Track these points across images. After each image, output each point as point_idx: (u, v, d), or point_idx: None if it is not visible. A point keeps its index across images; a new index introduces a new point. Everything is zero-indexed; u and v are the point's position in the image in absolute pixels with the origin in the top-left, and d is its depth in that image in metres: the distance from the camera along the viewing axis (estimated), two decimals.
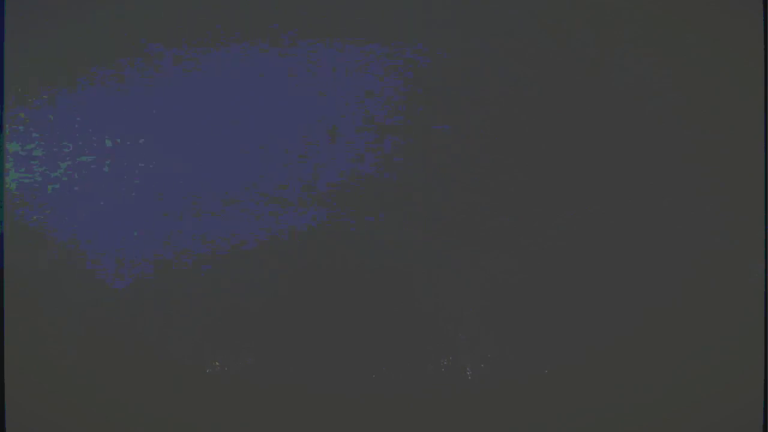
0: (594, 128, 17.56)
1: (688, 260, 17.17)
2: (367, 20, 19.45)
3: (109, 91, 18.34)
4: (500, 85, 18.39)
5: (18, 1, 16.86)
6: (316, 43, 18.85)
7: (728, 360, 15.85)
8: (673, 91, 17.11)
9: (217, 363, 20.48)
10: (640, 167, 17.17)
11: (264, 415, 18.04)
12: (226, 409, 18.38)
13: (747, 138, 16.41)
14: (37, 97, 17.82)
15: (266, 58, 18.45)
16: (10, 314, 16.73)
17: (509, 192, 18.34)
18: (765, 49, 15.83)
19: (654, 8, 16.86)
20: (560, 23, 17.61)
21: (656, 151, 17.25)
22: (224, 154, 19.39)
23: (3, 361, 15.48)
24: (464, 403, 18.46)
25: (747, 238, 17.17)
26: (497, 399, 18.32)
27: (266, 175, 19.94)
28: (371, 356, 20.30)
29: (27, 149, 17.77)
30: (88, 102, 18.55)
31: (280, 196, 20.37)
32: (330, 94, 19.97)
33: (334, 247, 20.74)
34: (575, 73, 17.64)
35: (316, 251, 20.48)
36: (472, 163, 18.70)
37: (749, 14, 15.93)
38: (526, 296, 18.71)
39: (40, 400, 16.66)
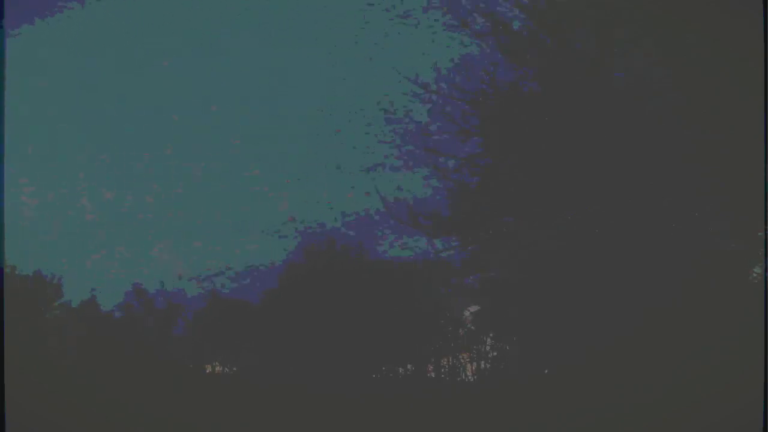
0: (594, 128, 17.51)
1: (688, 260, 17.12)
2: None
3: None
4: (500, 85, 18.33)
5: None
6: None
7: (728, 360, 15.80)
8: (673, 91, 17.06)
9: (217, 363, 20.36)
10: (639, 167, 17.10)
11: (264, 415, 17.97)
12: (226, 409, 18.30)
13: (747, 138, 16.35)
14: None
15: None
16: (10, 314, 16.71)
17: (509, 192, 18.29)
18: (765, 49, 15.80)
19: (654, 8, 16.81)
20: (560, 23, 17.56)
21: (656, 151, 17.17)
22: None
23: (3, 361, 15.45)
24: (464, 403, 18.38)
25: (747, 238, 17.10)
26: (497, 399, 18.25)
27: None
28: (371, 356, 20.20)
29: None
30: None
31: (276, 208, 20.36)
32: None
33: (334, 249, 20.66)
34: (575, 73, 17.60)
35: (317, 254, 20.37)
36: (472, 164, 18.64)
37: (749, 14, 15.89)
38: (526, 296, 18.64)
39: (40, 400, 16.63)
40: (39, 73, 20.23)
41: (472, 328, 20.97)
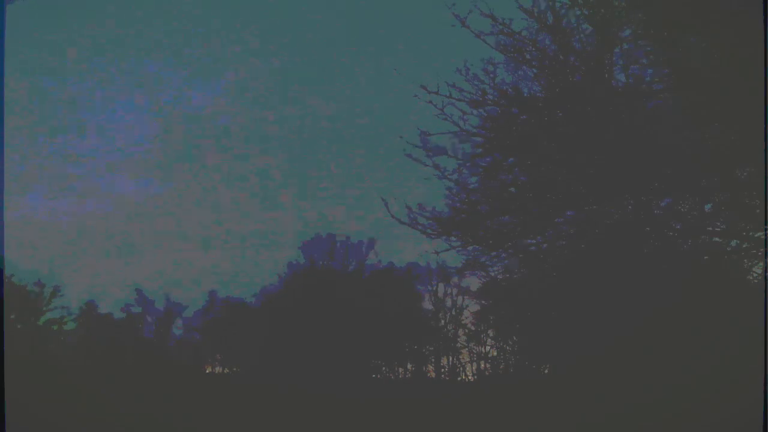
0: (594, 128, 17.52)
1: (688, 260, 17.12)
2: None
3: None
4: (500, 85, 18.35)
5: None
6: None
7: (728, 360, 15.79)
8: (673, 91, 17.06)
9: (217, 363, 20.38)
10: (639, 167, 17.11)
11: (264, 416, 18.01)
12: (226, 409, 18.33)
13: (747, 138, 16.35)
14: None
15: None
16: (10, 315, 16.73)
17: (509, 192, 18.31)
18: (765, 49, 15.79)
19: (654, 8, 16.81)
20: (560, 23, 17.56)
21: (657, 151, 17.18)
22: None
23: (3, 361, 15.48)
24: (464, 404, 18.41)
25: (747, 238, 17.09)
26: (497, 399, 18.27)
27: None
28: (371, 357, 20.21)
29: None
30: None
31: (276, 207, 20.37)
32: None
33: (334, 251, 20.67)
34: (575, 73, 17.61)
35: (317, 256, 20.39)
36: (472, 163, 18.66)
37: (749, 14, 15.87)
38: (526, 296, 18.64)
39: (40, 400, 16.65)
40: (40, 74, 20.25)
41: (472, 328, 20.97)
